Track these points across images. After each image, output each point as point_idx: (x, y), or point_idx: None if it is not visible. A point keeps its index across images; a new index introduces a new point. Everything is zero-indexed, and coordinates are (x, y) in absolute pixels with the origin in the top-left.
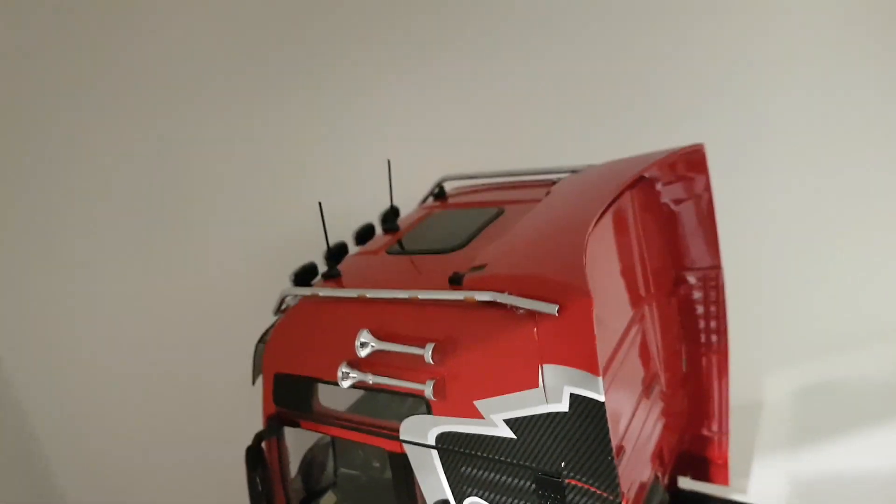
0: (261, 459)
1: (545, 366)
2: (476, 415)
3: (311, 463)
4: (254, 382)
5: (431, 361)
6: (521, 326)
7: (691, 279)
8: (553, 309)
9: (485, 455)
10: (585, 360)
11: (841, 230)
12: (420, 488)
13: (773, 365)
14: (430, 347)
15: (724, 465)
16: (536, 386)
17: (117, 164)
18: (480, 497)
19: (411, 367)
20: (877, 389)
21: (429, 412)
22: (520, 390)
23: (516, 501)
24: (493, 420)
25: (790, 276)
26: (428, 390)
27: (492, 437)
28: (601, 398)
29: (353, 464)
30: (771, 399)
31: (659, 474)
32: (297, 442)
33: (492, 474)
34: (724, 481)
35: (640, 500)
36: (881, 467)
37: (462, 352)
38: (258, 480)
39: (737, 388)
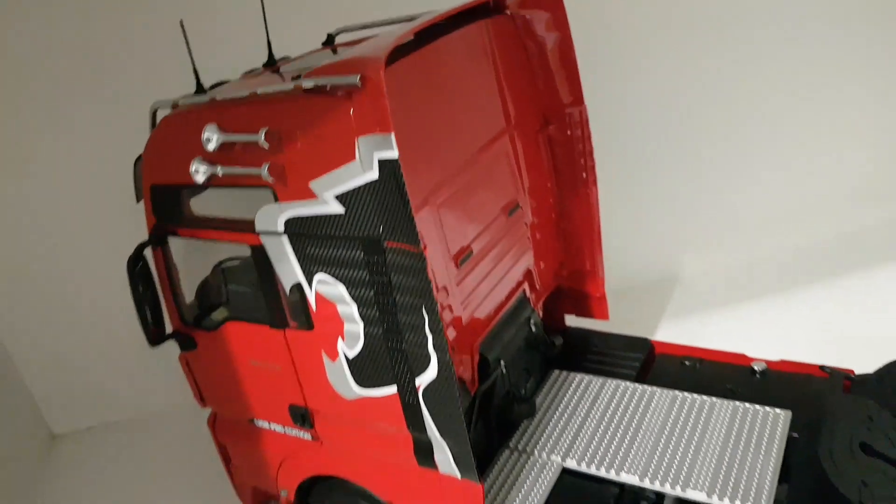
0: (144, 271)
1: (359, 138)
2: (312, 195)
3: (205, 287)
4: (138, 200)
5: (266, 145)
6: (341, 106)
7: (558, 118)
8: (355, 79)
9: (323, 233)
10: (382, 122)
11: (756, 120)
12: (279, 277)
13: (689, 243)
14: (262, 132)
15: (602, 299)
16: (354, 158)
17: None
18: (325, 272)
19: (253, 156)
20: (781, 267)
21: (276, 200)
22: (343, 164)
23: (352, 270)
24: (326, 198)
25: (709, 162)
26: (264, 172)
27: (326, 215)
28: (394, 155)
29: (242, 282)
30: (686, 274)
31: (529, 294)
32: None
33: (331, 250)
34: (604, 315)
35: (508, 301)
36: (779, 336)
37: (295, 137)
38: (140, 289)
39: (655, 264)
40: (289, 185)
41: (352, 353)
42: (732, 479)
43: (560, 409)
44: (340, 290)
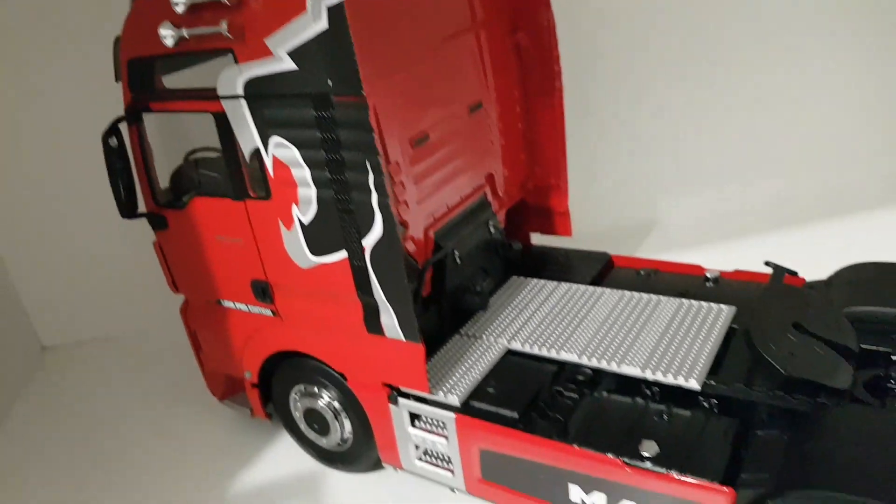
0: (118, 145)
1: None
2: (267, 53)
3: (178, 173)
4: (117, 79)
5: (227, 1)
6: None
7: (526, 24)
8: None
9: (277, 93)
10: None
11: (735, 78)
12: (239, 145)
13: (667, 190)
14: None
15: (566, 215)
16: (305, 9)
17: None
18: (280, 135)
19: (217, 16)
20: (752, 218)
21: (236, 62)
22: (295, 17)
23: (304, 131)
24: (280, 55)
25: (686, 115)
26: (223, 29)
27: (280, 73)
28: None
29: (209, 162)
30: (663, 219)
31: (491, 199)
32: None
33: (285, 111)
34: (567, 232)
35: (468, 200)
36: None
37: None
38: (114, 163)
39: (634, 209)
40: (247, 44)
41: (306, 219)
42: (668, 358)
43: (513, 305)
44: (294, 153)
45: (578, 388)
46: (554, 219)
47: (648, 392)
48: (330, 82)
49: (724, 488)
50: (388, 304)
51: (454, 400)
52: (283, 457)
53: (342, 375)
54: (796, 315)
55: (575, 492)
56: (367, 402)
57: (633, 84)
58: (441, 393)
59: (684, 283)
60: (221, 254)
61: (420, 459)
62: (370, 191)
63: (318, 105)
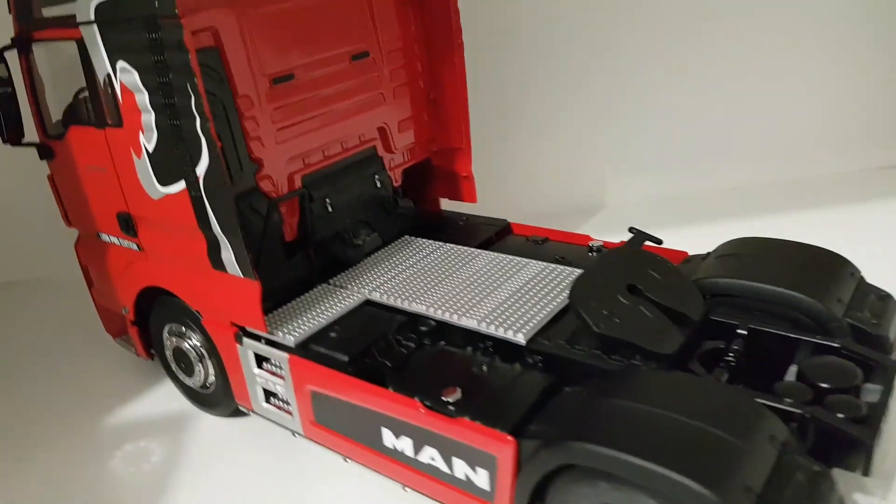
0: (3, 74)
1: None
2: None
3: (70, 107)
4: (9, 10)
5: None
6: None
7: None
8: None
9: (121, 16)
10: None
11: (688, 59)
12: (96, 71)
13: (615, 174)
14: None
15: (470, 179)
16: None
17: None
18: (124, 60)
19: None
20: (701, 203)
21: None
22: None
23: (141, 55)
24: None
25: (638, 96)
26: None
27: None
28: None
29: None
30: (612, 201)
31: (383, 153)
32: None
33: (127, 35)
34: (472, 198)
35: (352, 151)
36: None
37: None
38: (1, 89)
39: (583, 191)
40: None
41: (150, 146)
42: (506, 315)
43: (391, 261)
44: (135, 77)
45: (419, 338)
46: (459, 183)
47: (482, 345)
48: (157, 3)
49: (508, 437)
50: (224, 238)
51: (290, 341)
52: (163, 397)
53: (199, 314)
54: (635, 278)
55: (387, 436)
56: (220, 342)
57: (585, 64)
58: (279, 334)
59: (568, 251)
60: (94, 185)
61: (267, 402)
62: (194, 115)
63: (148, 26)
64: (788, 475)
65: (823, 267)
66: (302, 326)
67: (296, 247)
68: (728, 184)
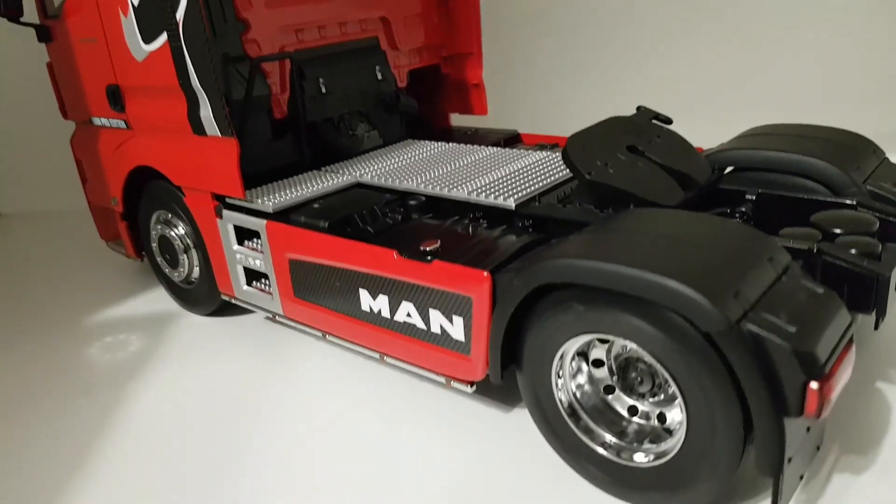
0: None
1: None
2: None
3: None
4: None
5: None
6: None
7: None
8: None
9: None
10: None
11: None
12: None
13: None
14: None
15: (481, 88)
16: None
17: None
18: None
19: None
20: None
21: None
22: None
23: None
24: None
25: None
26: None
27: None
28: None
29: None
30: None
31: (387, 47)
32: None
33: None
34: (483, 109)
35: (351, 36)
36: None
37: None
38: None
39: None
40: None
41: (136, 0)
42: (498, 188)
43: (388, 155)
44: None
45: (406, 211)
46: (469, 94)
47: (471, 215)
48: None
49: (483, 273)
50: (203, 93)
51: (268, 207)
52: (149, 300)
53: (181, 191)
54: (636, 141)
55: (365, 298)
56: (202, 222)
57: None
58: (259, 201)
59: None
60: (87, 60)
61: (248, 285)
62: None
63: None
64: (789, 294)
65: (844, 141)
66: (283, 197)
67: (286, 127)
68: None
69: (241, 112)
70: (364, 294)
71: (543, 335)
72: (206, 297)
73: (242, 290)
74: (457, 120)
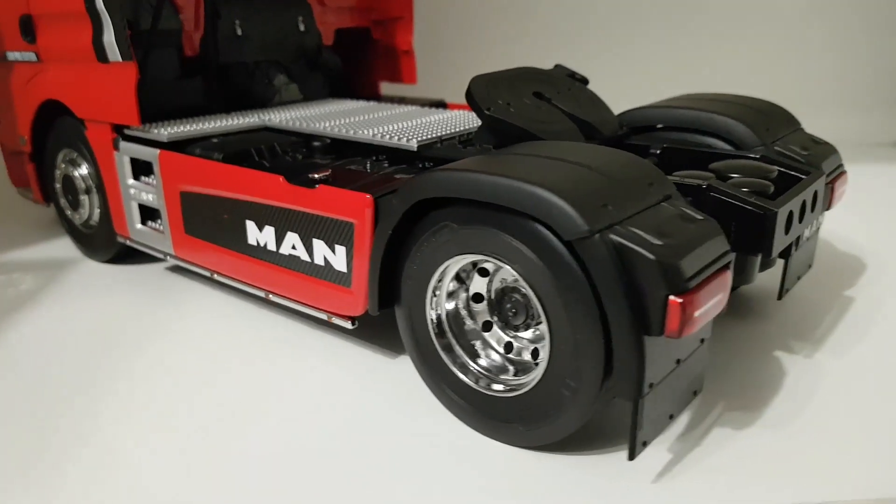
0: None
1: None
2: None
3: None
4: None
5: None
6: None
7: None
8: None
9: None
10: None
11: None
12: None
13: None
14: None
15: (410, 55)
16: None
17: None
18: None
19: None
20: None
21: None
22: None
23: None
24: None
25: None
26: None
27: None
28: None
29: None
30: None
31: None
32: None
33: None
34: (412, 77)
35: None
36: None
37: None
38: None
39: None
40: None
41: None
42: (402, 132)
43: (302, 106)
44: None
45: (309, 152)
46: (399, 60)
47: (374, 158)
48: None
49: (366, 196)
50: (106, 16)
51: (163, 136)
52: (51, 246)
53: (83, 124)
54: (544, 88)
55: (252, 231)
56: (100, 155)
57: None
58: (154, 131)
59: None
60: None
61: (143, 224)
62: None
63: None
64: (665, 216)
65: (761, 108)
66: (181, 129)
67: (197, 66)
68: None
69: (147, 42)
70: (251, 226)
71: (420, 259)
72: (105, 241)
73: (136, 229)
74: (386, 89)
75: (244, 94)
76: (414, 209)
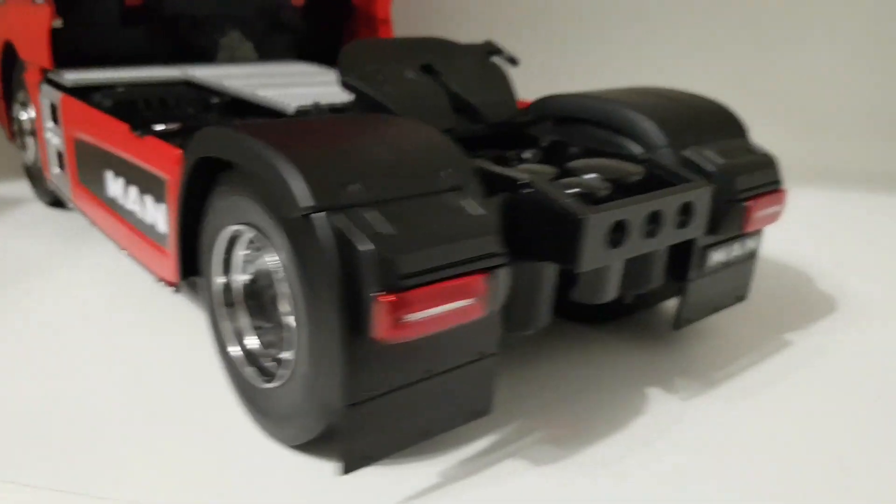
0: None
1: None
2: None
3: None
4: None
5: None
6: None
7: None
8: None
9: None
10: None
11: None
12: None
13: None
14: None
15: (388, 23)
16: None
17: None
18: None
19: None
20: None
21: None
22: None
23: None
24: None
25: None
26: None
27: None
28: None
29: None
30: None
31: None
32: None
33: None
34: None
35: None
36: None
37: None
38: None
39: None
40: None
41: None
42: (300, 96)
43: (249, 66)
44: None
45: (205, 108)
46: (377, 30)
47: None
48: None
49: (177, 150)
50: None
51: (68, 81)
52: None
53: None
54: (437, 62)
55: (109, 181)
56: (34, 97)
57: None
58: (64, 75)
59: None
60: None
61: (59, 167)
62: None
63: None
64: (436, 206)
65: (693, 107)
66: (91, 77)
67: (139, 16)
68: None
69: None
70: (109, 177)
71: (206, 225)
72: (45, 184)
73: (54, 172)
74: None
75: (190, 48)
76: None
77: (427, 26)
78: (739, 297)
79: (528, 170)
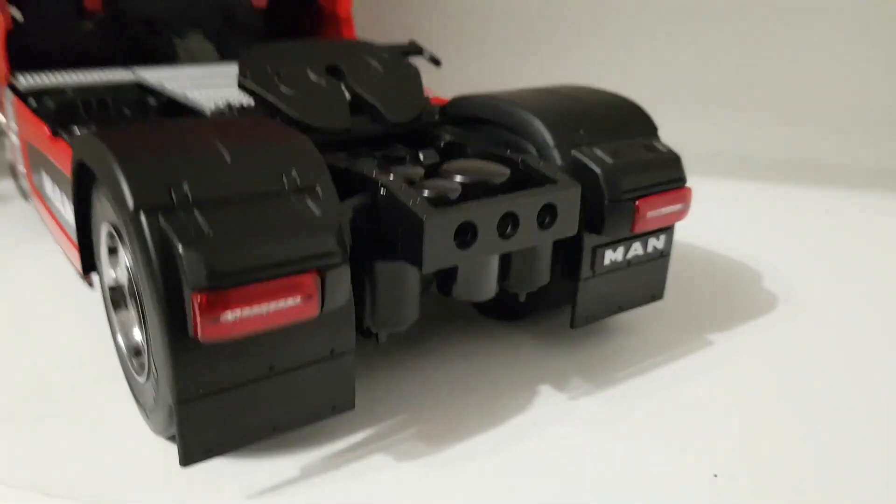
0: None
1: None
2: None
3: None
4: None
5: None
6: None
7: None
8: None
9: None
10: None
11: None
12: None
13: None
14: None
15: (350, 23)
16: None
17: None
18: None
19: None
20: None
21: None
22: None
23: None
24: None
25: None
26: None
27: None
28: None
29: None
30: None
31: None
32: None
33: None
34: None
35: None
36: None
37: None
38: None
39: None
40: None
41: None
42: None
43: (205, 68)
44: None
45: (143, 109)
46: (340, 29)
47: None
48: None
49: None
50: None
51: (22, 85)
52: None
53: None
54: (345, 64)
55: (45, 179)
56: (2, 97)
57: None
58: (21, 79)
59: None
60: None
61: (21, 165)
62: None
63: None
64: (273, 207)
65: (599, 111)
66: (46, 80)
67: (98, 18)
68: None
69: None
70: (45, 176)
71: (92, 222)
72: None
73: (20, 171)
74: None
75: (150, 49)
76: None
77: (389, 25)
78: (654, 297)
79: (394, 171)
